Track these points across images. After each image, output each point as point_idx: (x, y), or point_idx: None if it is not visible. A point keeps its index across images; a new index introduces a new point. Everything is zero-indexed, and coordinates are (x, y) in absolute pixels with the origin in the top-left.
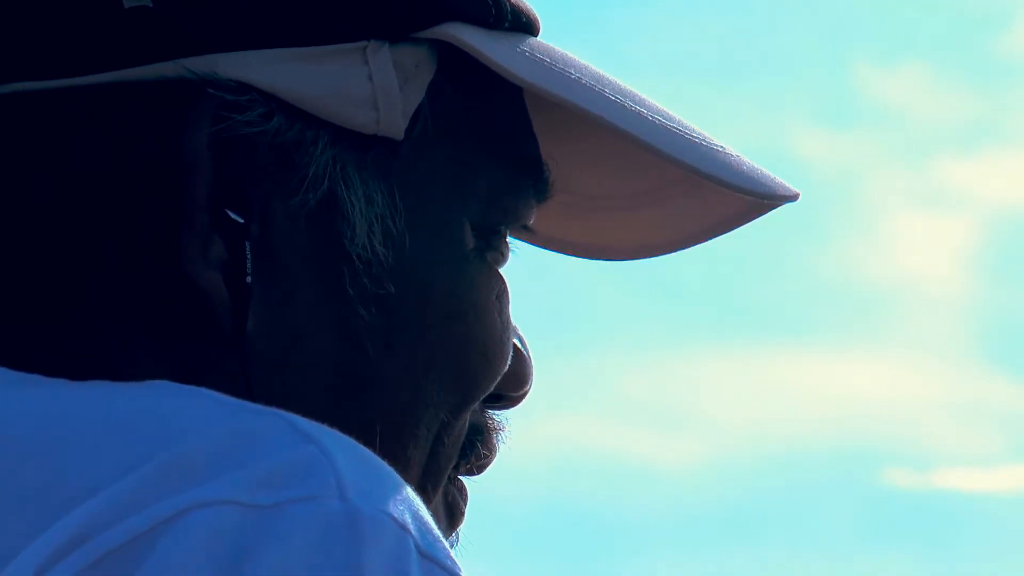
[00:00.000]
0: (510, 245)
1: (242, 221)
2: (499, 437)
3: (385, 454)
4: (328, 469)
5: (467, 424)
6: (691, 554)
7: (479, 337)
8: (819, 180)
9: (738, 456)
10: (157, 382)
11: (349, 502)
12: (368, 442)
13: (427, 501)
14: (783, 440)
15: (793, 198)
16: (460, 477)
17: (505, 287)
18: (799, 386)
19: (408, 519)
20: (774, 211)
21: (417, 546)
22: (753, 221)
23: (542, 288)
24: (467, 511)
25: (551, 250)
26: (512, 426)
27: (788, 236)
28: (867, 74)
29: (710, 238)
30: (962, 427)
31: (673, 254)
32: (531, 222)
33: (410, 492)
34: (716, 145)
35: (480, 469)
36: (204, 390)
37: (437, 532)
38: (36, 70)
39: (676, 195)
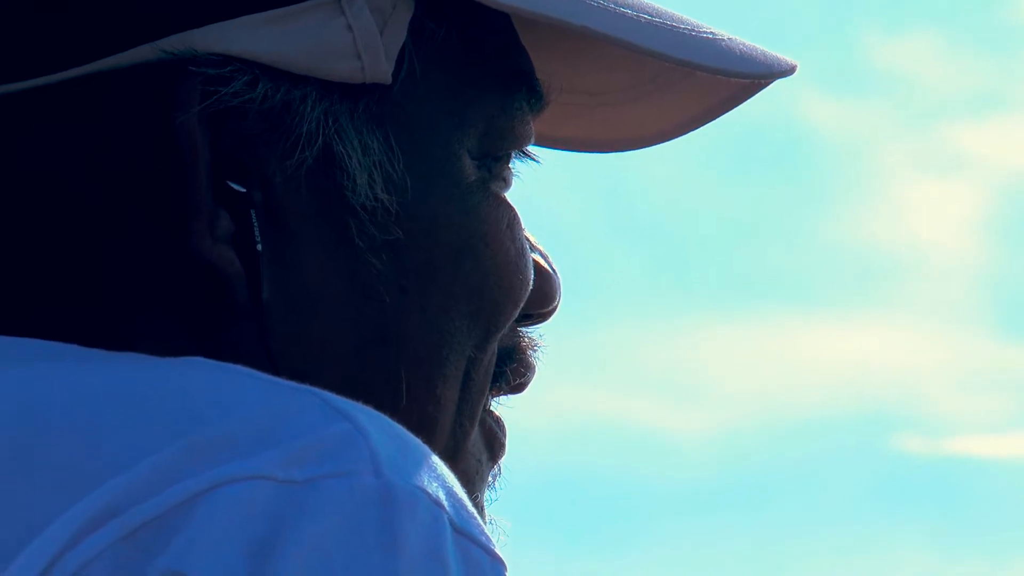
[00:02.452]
0: (512, 171)
1: (244, 190)
2: (535, 354)
3: (415, 398)
4: (363, 446)
5: (495, 354)
6: (703, 523)
7: (493, 269)
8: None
9: (749, 425)
10: (192, 358)
11: (384, 478)
12: (396, 389)
13: (465, 438)
14: (793, 408)
15: (787, 73)
16: (497, 407)
17: (515, 214)
18: (809, 354)
19: (442, 496)
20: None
21: (452, 522)
22: (762, 91)
23: (553, 260)
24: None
25: (565, 150)
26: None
27: (797, 204)
28: (875, 42)
29: (720, 115)
30: (973, 393)
31: (690, 133)
32: (531, 141)
33: (445, 469)
34: (705, 32)
35: (521, 388)
36: (238, 367)
37: (472, 508)
38: (10, 72)
39: (675, 80)
